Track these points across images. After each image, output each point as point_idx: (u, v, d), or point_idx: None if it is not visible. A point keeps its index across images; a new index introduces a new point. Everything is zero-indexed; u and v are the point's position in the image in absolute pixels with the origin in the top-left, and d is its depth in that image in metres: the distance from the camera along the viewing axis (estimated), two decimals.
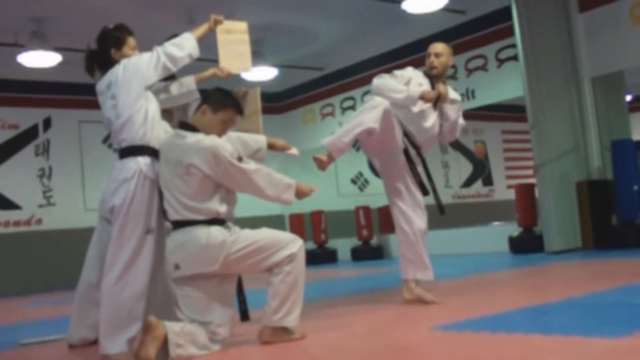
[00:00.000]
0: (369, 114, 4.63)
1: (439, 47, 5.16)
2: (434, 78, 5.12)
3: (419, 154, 5.12)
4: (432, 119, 5.06)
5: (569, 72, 9.13)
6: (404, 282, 5.02)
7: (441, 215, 5.14)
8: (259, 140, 4.38)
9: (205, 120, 3.83)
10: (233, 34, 4.42)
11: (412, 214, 5.00)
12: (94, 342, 4.26)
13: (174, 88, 4.31)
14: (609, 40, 8.88)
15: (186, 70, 4.19)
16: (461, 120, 5.26)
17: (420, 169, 5.11)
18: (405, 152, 5.00)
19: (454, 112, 5.15)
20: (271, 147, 4.47)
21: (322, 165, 4.69)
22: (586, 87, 9.15)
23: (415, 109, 4.95)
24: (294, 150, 4.57)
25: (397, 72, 5.11)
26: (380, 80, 5.01)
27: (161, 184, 3.82)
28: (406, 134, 5.02)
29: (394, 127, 4.87)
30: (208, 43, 4.26)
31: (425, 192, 5.05)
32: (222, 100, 3.87)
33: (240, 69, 4.50)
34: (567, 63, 9.14)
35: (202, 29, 4.23)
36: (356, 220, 12.27)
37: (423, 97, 4.85)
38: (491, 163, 17.26)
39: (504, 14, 9.44)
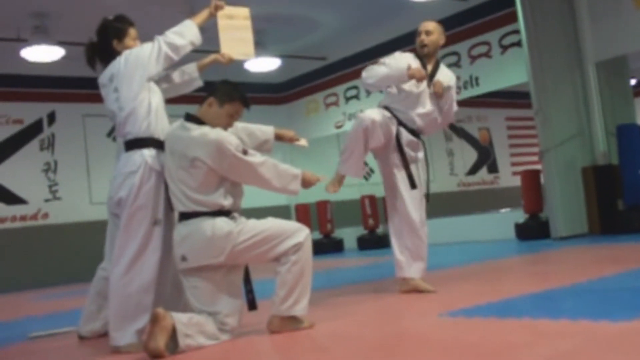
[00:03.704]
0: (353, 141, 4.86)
1: (429, 25, 5.10)
2: (424, 58, 5.07)
3: (420, 139, 5.07)
4: (429, 102, 5.02)
5: (572, 57, 9.10)
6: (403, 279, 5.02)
7: (427, 203, 5.11)
8: (266, 131, 4.35)
9: (212, 113, 3.82)
10: (235, 20, 4.37)
11: (410, 208, 5.00)
12: (104, 335, 4.28)
13: (176, 76, 4.29)
14: (612, 24, 8.84)
15: (188, 60, 4.18)
16: (455, 107, 5.18)
17: (420, 155, 5.08)
18: (399, 146, 4.97)
19: (448, 98, 5.07)
20: (279, 138, 4.43)
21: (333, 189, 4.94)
22: (590, 72, 9.12)
23: (415, 88, 4.92)
24: (303, 142, 4.54)
25: (383, 60, 5.05)
26: (366, 73, 5.01)
27: (166, 175, 3.82)
28: (402, 124, 4.98)
29: (381, 137, 4.88)
30: (210, 35, 4.25)
31: (413, 186, 4.98)
32: (229, 93, 3.85)
33: (243, 54, 4.45)
34: (570, 48, 9.10)
35: (203, 15, 4.20)
36: (362, 210, 12.27)
37: (413, 75, 4.77)
38: (496, 150, 17.24)
39: None
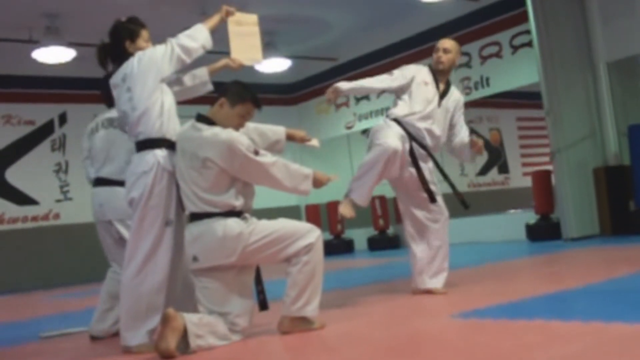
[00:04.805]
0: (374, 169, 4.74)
1: (447, 43, 5.11)
2: (438, 74, 5.08)
3: (430, 154, 5.04)
4: (440, 121, 5.02)
5: (584, 57, 9.07)
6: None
7: (465, 209, 5.11)
8: (278, 131, 4.36)
9: (223, 114, 3.83)
10: (244, 26, 4.42)
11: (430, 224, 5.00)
12: (116, 334, 4.30)
13: (188, 79, 4.31)
14: (624, 24, 8.81)
15: (198, 62, 4.19)
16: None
17: (430, 165, 5.06)
18: (414, 161, 4.94)
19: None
20: (290, 138, 4.44)
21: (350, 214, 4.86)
22: (601, 72, 9.08)
23: (426, 106, 4.93)
24: (314, 142, 4.55)
25: (395, 72, 5.09)
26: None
27: (177, 175, 3.83)
28: (414, 138, 4.95)
29: (397, 169, 4.84)
30: (220, 36, 4.26)
31: (432, 200, 4.95)
32: (240, 94, 3.86)
33: (252, 60, 4.50)
34: (582, 48, 9.07)
35: (214, 19, 4.23)
36: (372, 210, 12.25)
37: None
38: (507, 151, 17.17)
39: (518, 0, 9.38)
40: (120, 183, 4.52)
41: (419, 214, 4.99)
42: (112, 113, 4.75)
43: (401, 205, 5.11)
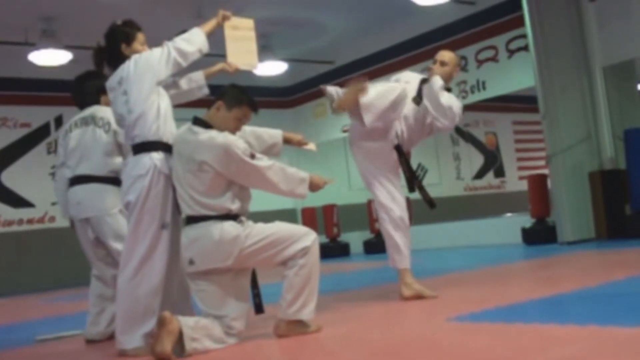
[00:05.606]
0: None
1: (446, 55, 5.06)
2: None
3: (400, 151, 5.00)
4: (411, 119, 4.99)
5: (580, 61, 9.08)
6: (400, 278, 4.98)
7: (431, 210, 5.04)
8: (275, 135, 4.37)
9: (220, 117, 3.83)
10: (240, 31, 4.43)
11: (391, 204, 4.93)
12: (111, 337, 4.29)
13: (184, 83, 4.32)
14: (620, 29, 8.82)
15: (194, 65, 4.20)
16: (448, 102, 4.95)
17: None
18: (398, 147, 4.91)
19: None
20: (287, 141, 4.45)
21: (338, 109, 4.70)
22: (597, 76, 9.09)
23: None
24: (311, 146, 4.54)
25: (396, 77, 5.13)
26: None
27: (174, 178, 3.83)
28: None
29: (401, 112, 4.80)
30: (216, 39, 4.26)
31: (411, 189, 4.92)
32: (237, 97, 3.86)
33: (248, 65, 4.50)
34: (578, 52, 9.08)
35: (211, 24, 4.24)
36: (368, 213, 12.26)
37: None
38: (503, 154, 17.21)
39: (514, 4, 9.39)
40: (98, 179, 4.52)
41: (389, 185, 4.93)
42: (85, 113, 4.77)
43: (370, 179, 5.02)
